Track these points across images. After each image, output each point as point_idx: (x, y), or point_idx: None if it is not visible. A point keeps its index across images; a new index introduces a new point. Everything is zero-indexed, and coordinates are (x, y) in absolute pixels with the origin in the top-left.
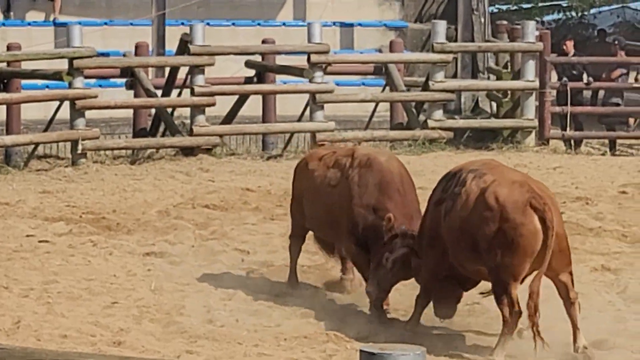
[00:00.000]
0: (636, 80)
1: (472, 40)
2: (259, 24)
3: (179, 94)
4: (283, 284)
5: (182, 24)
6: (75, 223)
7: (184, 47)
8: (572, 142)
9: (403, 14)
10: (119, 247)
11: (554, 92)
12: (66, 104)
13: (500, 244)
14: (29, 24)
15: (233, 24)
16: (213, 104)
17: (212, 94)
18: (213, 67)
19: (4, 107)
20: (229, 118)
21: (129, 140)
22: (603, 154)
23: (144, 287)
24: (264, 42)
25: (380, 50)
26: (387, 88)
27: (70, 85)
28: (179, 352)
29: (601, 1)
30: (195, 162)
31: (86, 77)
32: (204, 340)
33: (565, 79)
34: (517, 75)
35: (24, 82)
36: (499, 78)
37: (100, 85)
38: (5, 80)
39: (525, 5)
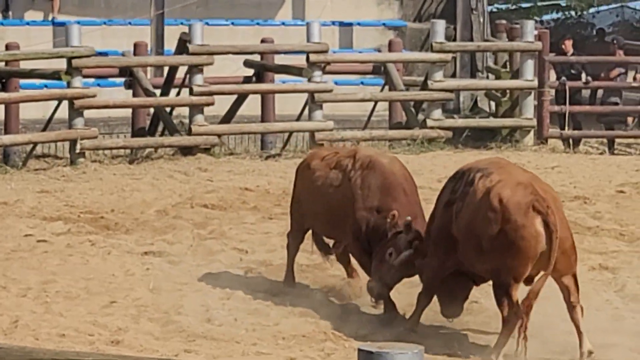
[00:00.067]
0: (635, 79)
1: (471, 40)
2: (257, 24)
3: (178, 94)
4: (281, 283)
5: (181, 23)
6: (74, 222)
7: (182, 46)
8: (571, 141)
9: (402, 14)
10: (117, 246)
11: (553, 92)
12: (65, 103)
13: (501, 245)
14: (28, 23)
15: (232, 23)
16: (212, 104)
17: (210, 94)
18: (212, 66)
19: (3, 106)
20: (228, 117)
21: (127, 140)
22: (601, 153)
23: (142, 287)
24: (262, 41)
25: (379, 50)
26: (386, 87)
27: (68, 85)
28: (177, 351)
29: (600, 0)
30: (193, 161)
31: (85, 76)
32: (202, 340)
33: (563, 78)
34: (515, 74)
35: (22, 81)
36: (497, 77)
37: (98, 85)
38: (4, 80)
39: (524, 5)
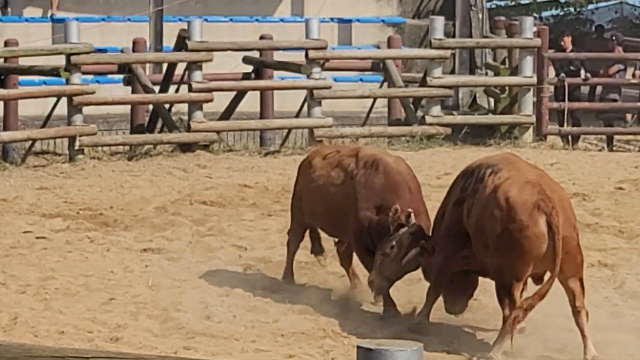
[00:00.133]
0: (634, 76)
1: (470, 36)
2: (256, 20)
3: (177, 90)
4: (280, 280)
5: (180, 20)
6: (73, 219)
7: (181, 43)
8: (570, 138)
9: (401, 10)
10: (116, 243)
11: (552, 88)
12: (63, 100)
13: (505, 243)
14: (27, 20)
15: (231, 19)
16: (211, 100)
17: (209, 90)
18: (211, 63)
19: (1, 103)
20: (227, 114)
21: (126, 137)
22: (600, 150)
23: (141, 284)
24: (261, 38)
25: (378, 46)
26: (385, 84)
27: (67, 82)
28: (176, 348)
29: None
30: (192, 158)
31: (84, 73)
32: (201, 337)
33: (562, 74)
34: (514, 71)
35: (21, 78)
36: (496, 74)
37: (97, 82)
38: (3, 77)
39: (523, 1)
